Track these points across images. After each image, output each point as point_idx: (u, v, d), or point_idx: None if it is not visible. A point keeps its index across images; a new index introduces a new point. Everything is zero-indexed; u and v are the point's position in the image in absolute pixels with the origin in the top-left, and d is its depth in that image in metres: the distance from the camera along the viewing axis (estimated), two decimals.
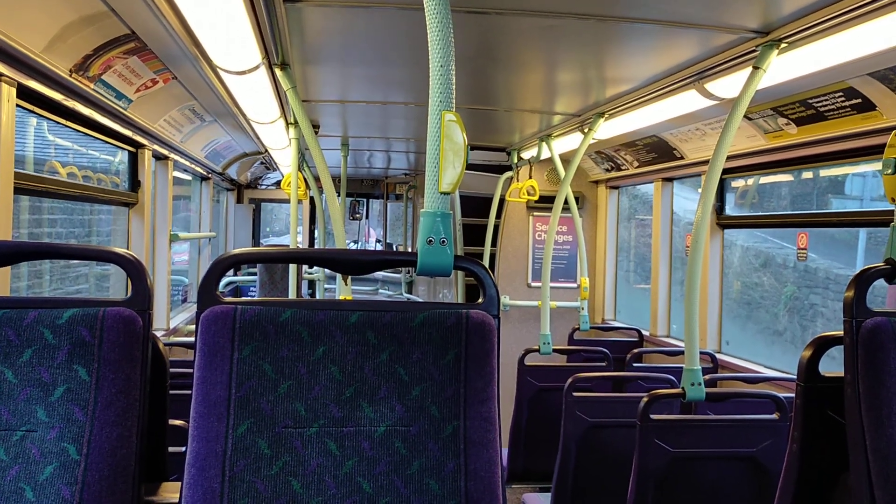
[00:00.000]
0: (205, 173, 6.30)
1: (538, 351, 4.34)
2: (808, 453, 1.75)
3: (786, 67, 2.71)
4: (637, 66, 3.16)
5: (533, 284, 6.37)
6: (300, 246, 8.71)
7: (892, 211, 1.77)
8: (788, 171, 4.37)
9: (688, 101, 3.40)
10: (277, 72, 3.09)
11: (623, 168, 5.55)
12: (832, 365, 1.81)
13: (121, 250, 1.58)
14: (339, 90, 3.97)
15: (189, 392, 1.44)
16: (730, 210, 4.67)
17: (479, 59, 3.11)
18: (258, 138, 5.36)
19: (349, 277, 3.52)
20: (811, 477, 1.76)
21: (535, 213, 6.38)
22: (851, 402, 1.61)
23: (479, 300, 1.54)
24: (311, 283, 8.15)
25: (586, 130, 4.17)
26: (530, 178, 5.54)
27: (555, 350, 4.40)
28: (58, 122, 2.98)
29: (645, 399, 2.57)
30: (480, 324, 1.48)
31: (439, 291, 8.35)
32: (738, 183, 5.27)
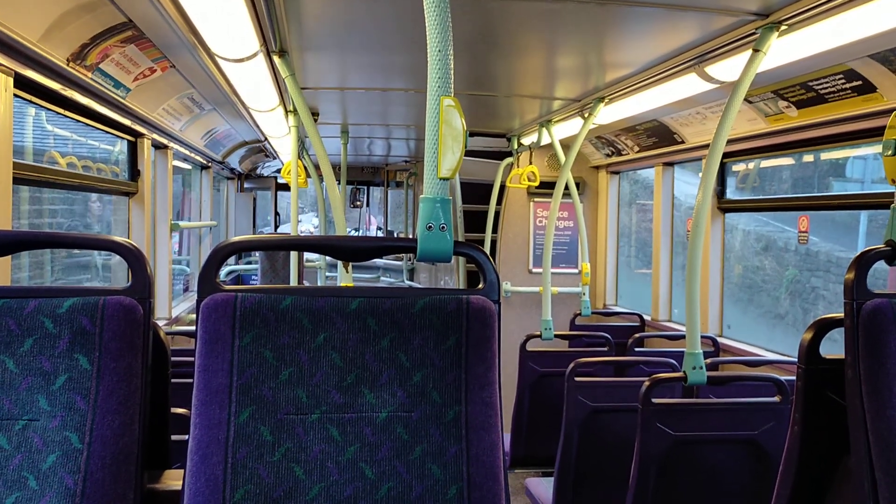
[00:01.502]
0: (205, 162, 6.30)
1: (540, 336, 4.34)
2: (809, 436, 1.76)
3: (786, 50, 2.70)
4: (637, 49, 3.14)
5: (534, 270, 6.37)
6: (301, 234, 8.70)
7: (893, 193, 1.76)
8: (789, 154, 4.36)
9: (688, 85, 3.38)
10: (276, 59, 3.08)
11: (623, 153, 5.53)
12: (833, 347, 1.81)
13: (120, 239, 1.58)
14: (338, 77, 3.96)
15: (191, 380, 1.44)
16: (731, 194, 4.66)
17: (479, 44, 3.09)
18: (257, 126, 5.34)
19: (350, 265, 3.52)
20: (812, 459, 1.76)
21: (536, 199, 6.37)
22: (852, 384, 1.61)
23: (480, 286, 1.54)
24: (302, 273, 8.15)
25: (586, 115, 4.16)
26: (531, 164, 5.53)
27: (556, 335, 4.40)
28: (56, 112, 2.97)
29: (646, 383, 2.57)
30: (481, 309, 1.48)
31: (441, 278, 8.35)
32: (739, 167, 5.27)
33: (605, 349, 4.07)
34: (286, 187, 10.25)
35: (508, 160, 6.06)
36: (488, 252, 1.60)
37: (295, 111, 4.21)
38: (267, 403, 1.42)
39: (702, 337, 2.88)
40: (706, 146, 2.94)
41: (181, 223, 5.21)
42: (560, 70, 3.69)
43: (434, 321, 1.47)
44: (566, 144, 4.99)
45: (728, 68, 3.01)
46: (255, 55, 2.97)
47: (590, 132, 4.78)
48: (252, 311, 1.44)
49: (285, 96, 4.08)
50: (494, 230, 6.33)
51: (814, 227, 4.24)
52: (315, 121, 4.60)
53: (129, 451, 1.46)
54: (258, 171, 9.44)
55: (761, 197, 7.04)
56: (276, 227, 9.84)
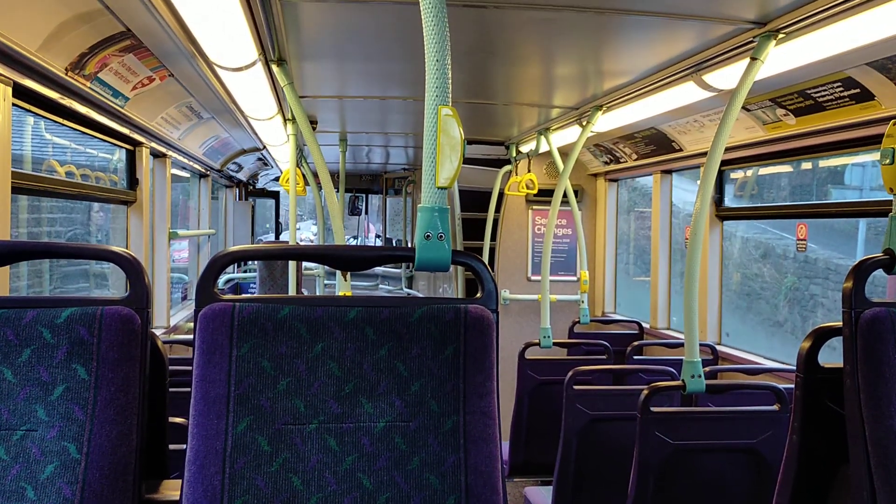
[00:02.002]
0: (203, 170, 6.30)
1: (538, 345, 4.34)
2: (808, 444, 1.75)
3: (784, 58, 2.70)
4: (635, 58, 3.15)
5: (533, 278, 6.37)
6: (299, 242, 8.71)
7: (891, 201, 1.77)
8: (787, 161, 4.37)
9: (686, 93, 3.39)
10: (274, 68, 3.08)
11: (622, 161, 5.54)
12: (833, 356, 1.81)
13: (118, 249, 1.58)
14: (336, 85, 3.96)
15: (189, 390, 1.44)
16: (729, 201, 4.67)
17: (477, 53, 3.10)
18: (256, 135, 5.35)
19: (348, 273, 3.51)
20: (811, 468, 1.76)
21: (535, 207, 6.37)
22: (851, 393, 1.61)
23: (478, 295, 1.54)
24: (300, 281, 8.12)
25: (585, 123, 4.16)
26: (529, 171, 5.53)
27: (555, 343, 4.40)
28: (55, 121, 2.97)
29: (645, 391, 2.57)
30: (479, 318, 1.48)
31: (439, 286, 8.34)
32: (737, 174, 5.27)
33: (604, 357, 4.07)
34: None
35: (507, 168, 6.07)
36: (487, 260, 1.60)
37: (293, 119, 4.21)
38: (265, 413, 1.42)
39: (700, 345, 2.87)
40: (704, 154, 2.94)
41: (180, 232, 5.21)
42: (558, 78, 3.70)
43: (432, 330, 1.47)
44: (564, 152, 5.00)
45: (726, 76, 3.02)
46: (253, 64, 2.97)
47: (588, 140, 4.79)
48: (250, 320, 1.44)
49: (284, 105, 4.09)
50: (493, 238, 6.34)
51: (812, 234, 4.24)
52: (313, 129, 4.61)
53: (127, 461, 1.46)
54: (257, 180, 9.44)
55: (759, 204, 7.05)
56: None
